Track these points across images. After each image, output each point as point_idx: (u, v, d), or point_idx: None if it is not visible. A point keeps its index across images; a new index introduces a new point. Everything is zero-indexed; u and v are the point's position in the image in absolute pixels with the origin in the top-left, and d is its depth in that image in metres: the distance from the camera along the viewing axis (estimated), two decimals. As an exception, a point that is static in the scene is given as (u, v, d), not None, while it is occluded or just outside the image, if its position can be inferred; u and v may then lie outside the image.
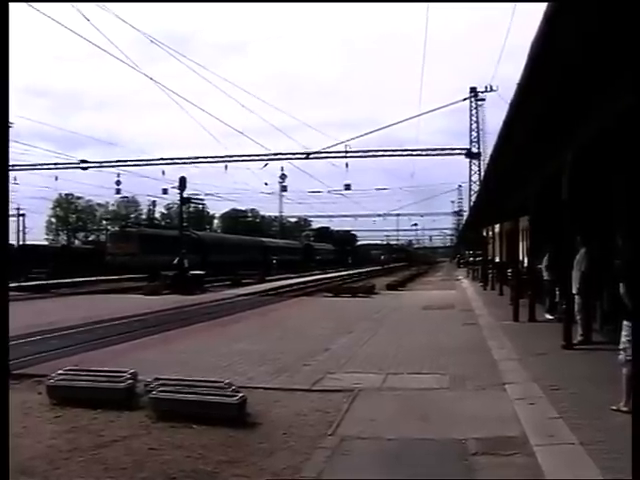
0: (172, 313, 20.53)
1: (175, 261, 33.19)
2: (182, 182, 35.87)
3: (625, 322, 7.05)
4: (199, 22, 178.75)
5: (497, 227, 33.32)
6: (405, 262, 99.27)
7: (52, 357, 11.44)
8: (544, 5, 5.58)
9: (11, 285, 21.15)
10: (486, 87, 48.03)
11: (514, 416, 7.16)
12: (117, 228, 57.07)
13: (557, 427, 6.58)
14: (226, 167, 47.02)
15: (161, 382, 7.83)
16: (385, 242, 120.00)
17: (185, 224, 43.83)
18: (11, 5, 4.39)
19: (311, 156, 44.42)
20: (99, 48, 24.10)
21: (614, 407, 6.97)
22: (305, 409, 7.75)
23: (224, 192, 66.08)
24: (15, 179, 46.89)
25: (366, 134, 46.62)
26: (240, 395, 7.27)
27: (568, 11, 5.56)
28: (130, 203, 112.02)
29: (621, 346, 7.09)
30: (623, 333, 7.08)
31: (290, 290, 33.80)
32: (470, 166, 48.71)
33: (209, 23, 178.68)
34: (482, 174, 38.08)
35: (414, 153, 47.52)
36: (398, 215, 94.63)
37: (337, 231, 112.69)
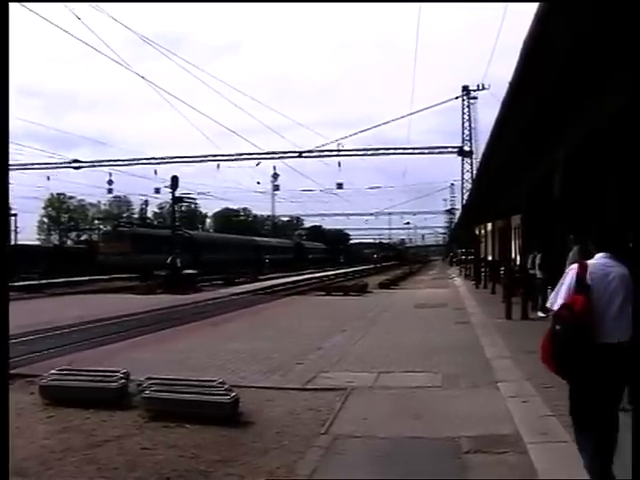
0: (165, 312, 20.49)
1: (168, 260, 33.17)
2: (174, 181, 35.86)
3: None
4: (191, 22, 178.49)
5: (489, 225, 33.39)
6: (395, 261, 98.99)
7: (45, 357, 11.43)
8: (535, 5, 5.60)
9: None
10: (478, 85, 48.12)
11: (507, 414, 7.18)
12: (109, 228, 56.94)
13: (550, 425, 6.60)
14: (218, 166, 47.02)
15: (154, 381, 7.81)
16: (378, 241, 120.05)
17: (177, 223, 43.76)
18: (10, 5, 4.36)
19: (303, 155, 44.47)
20: (91, 48, 24.07)
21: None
22: (298, 408, 7.75)
23: (216, 191, 66.00)
24: (7, 179, 46.60)
25: (358, 133, 46.72)
26: (233, 394, 7.26)
27: (559, 11, 5.57)
28: (122, 202, 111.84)
29: None
30: None
31: (283, 289, 33.78)
32: (462, 164, 48.78)
33: (201, 23, 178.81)
34: (474, 172, 38.16)
35: (406, 152, 47.62)
36: (390, 214, 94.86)
37: (329, 230, 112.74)
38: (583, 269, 4.77)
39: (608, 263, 4.82)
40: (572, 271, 4.81)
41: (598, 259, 4.90)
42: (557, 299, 4.82)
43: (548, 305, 5.10)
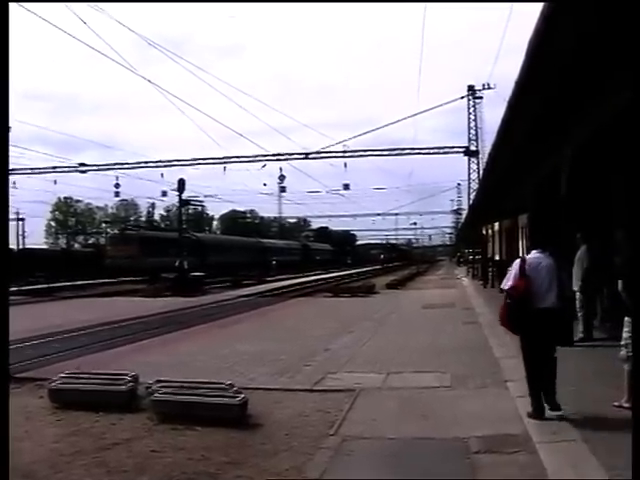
0: (173, 315, 20.53)
1: (177, 263, 33.25)
2: (181, 184, 35.91)
3: (626, 318, 7.06)
4: (195, 24, 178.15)
5: (496, 225, 33.31)
6: (399, 261, 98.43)
7: (53, 360, 11.43)
8: (541, 5, 5.60)
9: (11, 289, 21.14)
10: (484, 85, 47.90)
11: (516, 414, 7.16)
12: (117, 231, 57.04)
13: (559, 425, 6.58)
14: (225, 168, 46.90)
15: (162, 384, 7.83)
16: (385, 242, 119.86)
17: (184, 226, 43.81)
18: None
19: (310, 156, 44.34)
20: (97, 51, 24.11)
21: (616, 403, 6.97)
22: (307, 409, 7.76)
23: (223, 193, 66.01)
24: (14, 183, 46.46)
25: (364, 134, 46.62)
26: (242, 396, 7.26)
27: (565, 11, 5.57)
28: (129, 206, 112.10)
29: (622, 342, 7.09)
30: (624, 329, 7.09)
31: (290, 290, 33.78)
32: (469, 164, 48.59)
33: (205, 25, 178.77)
34: (481, 172, 38.04)
35: (413, 152, 47.43)
36: (397, 214, 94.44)
37: (336, 231, 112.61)
38: (524, 262, 7.17)
39: (540, 257, 7.20)
40: (517, 264, 7.18)
41: (533, 254, 7.29)
42: (508, 282, 7.18)
43: (502, 286, 7.52)
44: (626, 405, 6.78)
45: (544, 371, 7.01)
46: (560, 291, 7.08)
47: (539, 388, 6.99)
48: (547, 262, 7.13)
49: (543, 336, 6.98)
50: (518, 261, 7.25)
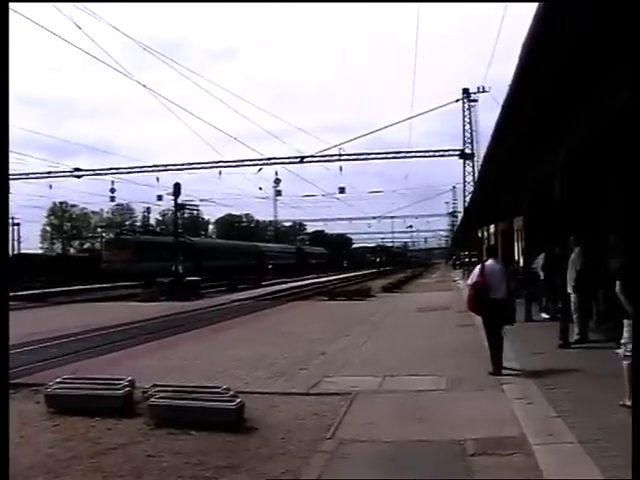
0: (168, 320, 20.49)
1: (172, 268, 33.22)
2: (176, 188, 35.90)
3: (625, 321, 7.06)
4: (190, 28, 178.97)
5: (492, 227, 33.35)
6: (391, 265, 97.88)
7: (49, 366, 11.41)
8: (534, 6, 5.61)
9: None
10: (478, 88, 47.92)
11: (512, 416, 7.16)
12: (112, 236, 56.97)
13: (556, 426, 6.59)
14: (220, 172, 46.93)
15: (159, 389, 7.82)
16: (378, 245, 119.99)
17: (180, 230, 43.73)
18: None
19: (305, 160, 44.39)
20: (91, 56, 24.11)
21: (621, 402, 6.94)
22: (303, 413, 7.75)
23: (218, 198, 65.69)
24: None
25: (359, 137, 46.69)
26: (238, 400, 7.26)
27: (558, 12, 5.59)
28: (125, 210, 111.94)
29: (622, 341, 7.09)
30: (625, 329, 7.09)
31: (286, 294, 33.74)
32: (464, 167, 48.63)
33: (200, 30, 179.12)
34: (476, 175, 38.09)
35: (408, 155, 47.52)
36: (392, 217, 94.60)
37: (332, 235, 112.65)
38: (483, 266, 9.93)
39: (493, 263, 10.10)
40: (478, 267, 10.04)
41: (489, 261, 10.15)
42: (472, 279, 9.99)
43: (467, 282, 10.80)
44: (629, 403, 6.77)
45: (497, 338, 9.85)
46: (507, 287, 9.87)
47: (499, 352, 9.79)
48: (499, 267, 10.10)
49: (495, 317, 9.79)
50: (479, 265, 10.22)
